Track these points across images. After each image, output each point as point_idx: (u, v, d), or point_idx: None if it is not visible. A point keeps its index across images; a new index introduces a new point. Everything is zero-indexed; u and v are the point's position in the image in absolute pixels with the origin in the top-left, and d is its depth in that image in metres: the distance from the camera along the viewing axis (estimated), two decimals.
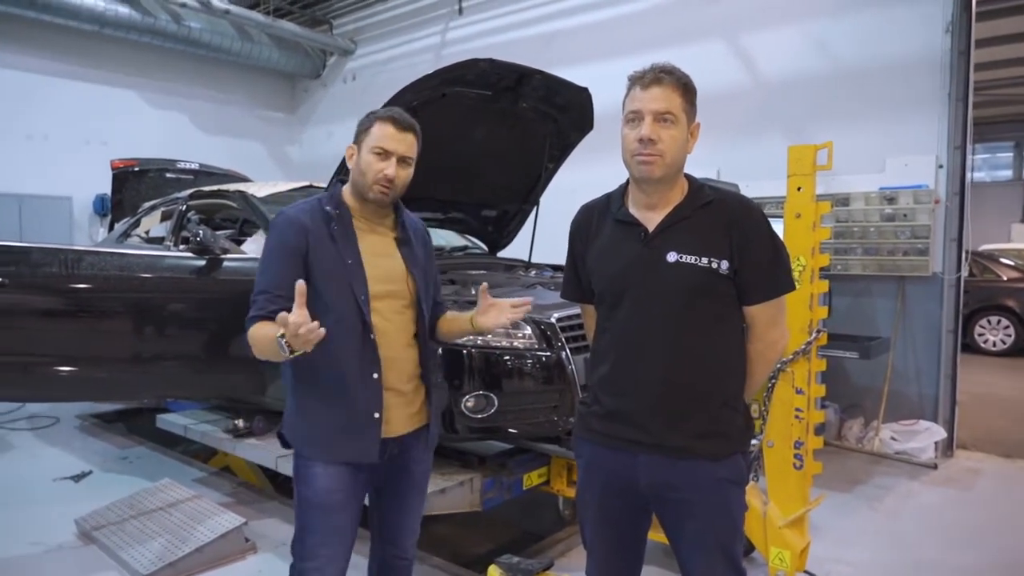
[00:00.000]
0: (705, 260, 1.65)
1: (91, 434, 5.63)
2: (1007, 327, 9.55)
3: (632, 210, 1.75)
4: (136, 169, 5.97)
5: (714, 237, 1.67)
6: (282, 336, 1.59)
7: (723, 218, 1.68)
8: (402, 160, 1.91)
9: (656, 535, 1.95)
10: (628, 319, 1.72)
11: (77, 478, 4.51)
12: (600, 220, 1.82)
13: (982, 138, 15.41)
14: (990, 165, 17.29)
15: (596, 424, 1.80)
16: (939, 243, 5.20)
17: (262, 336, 1.74)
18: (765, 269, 1.70)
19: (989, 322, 9.68)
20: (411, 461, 2.06)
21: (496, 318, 1.98)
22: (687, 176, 1.76)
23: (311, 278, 1.84)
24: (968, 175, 5.20)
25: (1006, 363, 9.05)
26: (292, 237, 1.88)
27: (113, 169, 5.90)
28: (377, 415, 1.89)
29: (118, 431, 5.67)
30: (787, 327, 1.81)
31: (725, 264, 1.66)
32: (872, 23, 5.40)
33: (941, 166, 5.14)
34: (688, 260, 1.66)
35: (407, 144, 1.92)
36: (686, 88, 1.66)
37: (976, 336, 9.64)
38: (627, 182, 1.80)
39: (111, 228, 6.04)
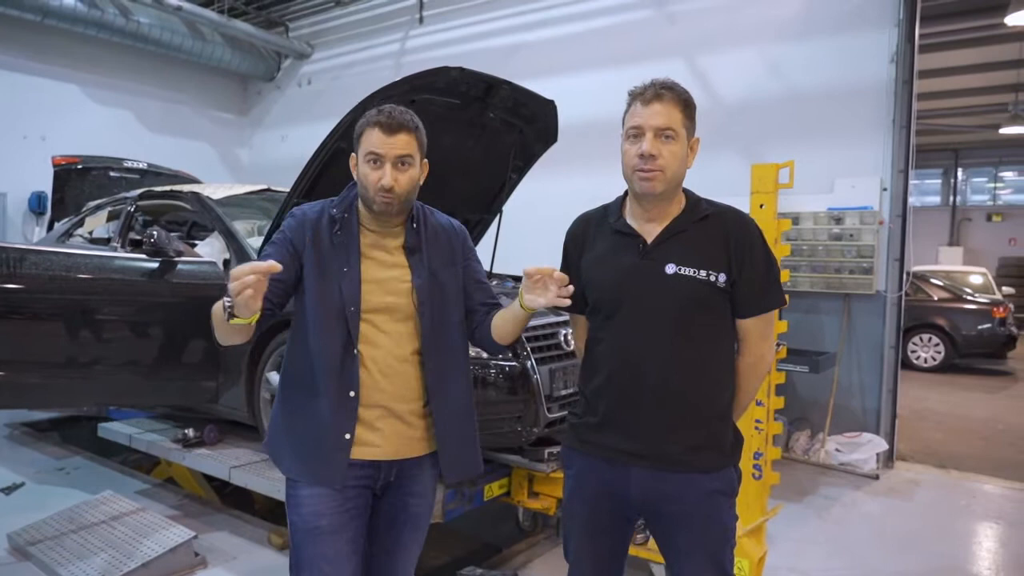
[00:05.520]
0: (704, 272, 1.67)
1: (22, 444, 5.34)
2: (937, 344, 10.01)
3: (630, 221, 1.76)
4: (79, 167, 5.71)
5: (712, 250, 1.69)
6: (227, 297, 1.52)
7: (721, 231, 1.71)
8: (398, 162, 1.77)
9: (635, 549, 1.94)
10: (625, 329, 1.72)
11: (8, 490, 4.26)
12: (596, 231, 1.82)
13: (913, 165, 16.22)
14: (920, 191, 18.21)
15: (589, 435, 1.79)
16: (883, 263, 5.42)
17: (215, 308, 1.64)
18: (761, 283, 1.72)
19: (921, 339, 10.12)
20: (409, 494, 1.89)
21: (543, 294, 1.66)
22: (685, 190, 1.78)
23: (303, 280, 1.80)
24: (909, 199, 5.45)
25: (937, 379, 9.47)
26: (296, 230, 1.82)
27: (55, 166, 5.64)
28: (348, 436, 1.75)
29: (52, 441, 5.39)
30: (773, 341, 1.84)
31: (723, 277, 1.67)
32: (824, 50, 5.61)
33: (885, 189, 5.37)
34: (687, 272, 1.67)
35: (400, 144, 1.77)
36: (686, 104, 1.69)
37: (909, 353, 10.07)
38: (625, 193, 1.80)
39: (50, 227, 5.76)
